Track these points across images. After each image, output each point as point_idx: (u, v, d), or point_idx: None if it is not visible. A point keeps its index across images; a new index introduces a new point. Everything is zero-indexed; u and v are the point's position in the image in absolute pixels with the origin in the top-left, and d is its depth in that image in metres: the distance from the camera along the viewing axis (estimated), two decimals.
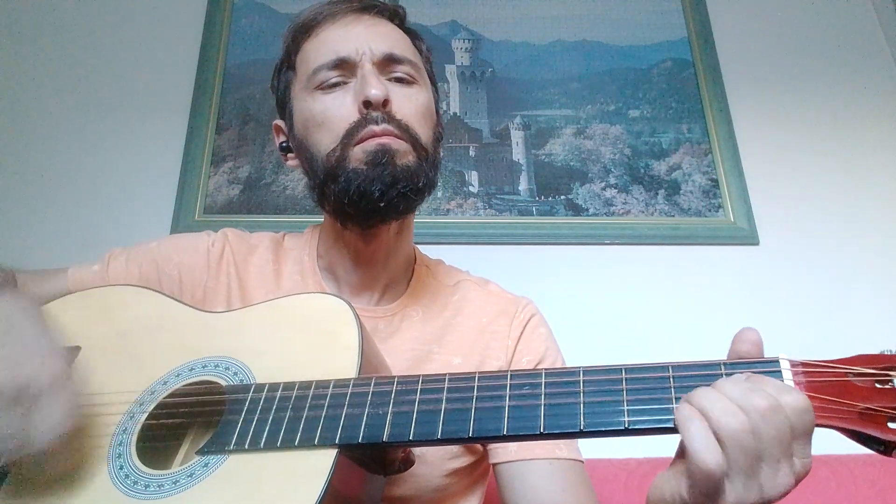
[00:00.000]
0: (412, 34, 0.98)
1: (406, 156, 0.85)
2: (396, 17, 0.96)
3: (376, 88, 0.84)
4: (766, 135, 1.99)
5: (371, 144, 0.84)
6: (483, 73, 2.07)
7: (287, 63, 0.96)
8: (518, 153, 1.97)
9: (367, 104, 0.84)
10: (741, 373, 0.58)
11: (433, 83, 0.99)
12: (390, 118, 0.85)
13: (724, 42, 2.10)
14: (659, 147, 1.98)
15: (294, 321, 0.76)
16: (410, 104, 0.89)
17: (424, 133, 0.89)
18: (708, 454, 0.52)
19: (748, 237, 1.85)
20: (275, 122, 1.00)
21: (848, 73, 2.08)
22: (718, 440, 0.53)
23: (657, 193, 1.91)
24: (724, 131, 1.97)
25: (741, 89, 2.03)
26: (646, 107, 2.04)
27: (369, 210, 0.85)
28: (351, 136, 0.84)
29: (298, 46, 0.94)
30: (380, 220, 0.88)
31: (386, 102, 0.85)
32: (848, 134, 2.00)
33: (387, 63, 0.89)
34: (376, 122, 0.84)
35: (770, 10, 2.17)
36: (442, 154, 1.01)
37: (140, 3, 2.11)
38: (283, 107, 0.97)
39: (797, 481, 0.54)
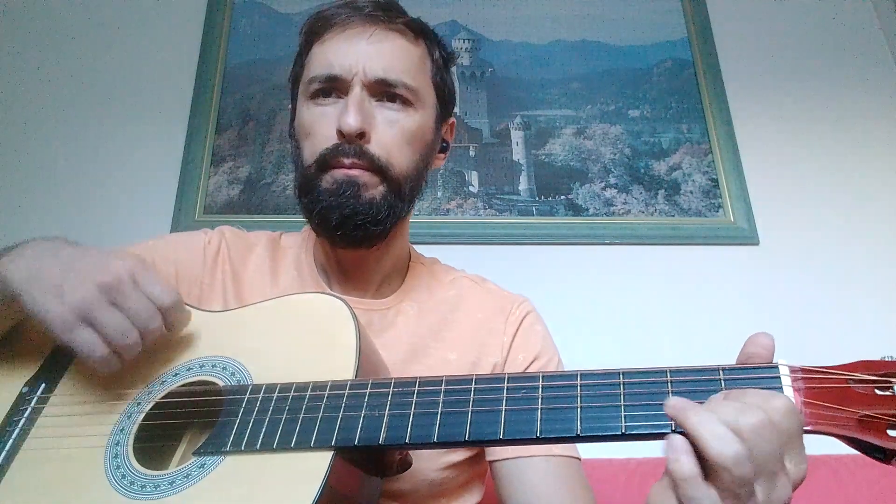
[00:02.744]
0: (427, 38, 0.96)
1: (373, 188, 0.86)
2: (408, 28, 0.94)
3: (353, 119, 0.85)
4: (766, 135, 1.98)
5: (339, 174, 0.86)
6: (483, 73, 2.07)
7: (299, 60, 0.97)
8: (518, 153, 1.96)
9: (342, 134, 0.85)
10: (741, 378, 0.57)
11: (442, 96, 0.97)
12: (362, 152, 0.85)
13: (724, 42, 2.09)
14: (659, 147, 1.97)
15: (292, 321, 0.76)
16: (393, 131, 0.88)
17: (405, 161, 0.89)
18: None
19: (748, 237, 1.85)
20: (290, 105, 1.00)
21: (848, 73, 2.08)
22: (711, 468, 0.51)
23: (657, 193, 1.91)
24: (724, 131, 1.97)
25: (741, 89, 2.03)
26: (646, 107, 2.03)
27: (328, 236, 0.89)
28: (325, 160, 0.86)
29: (310, 46, 0.94)
30: (341, 245, 0.90)
31: (362, 134, 0.85)
32: (848, 134, 2.00)
33: (379, 86, 0.88)
34: (347, 155, 0.85)
35: (770, 10, 2.17)
36: (444, 163, 1.02)
37: (140, 3, 2.11)
38: (293, 97, 0.98)
39: (795, 489, 0.53)
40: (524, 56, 2.10)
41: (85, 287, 0.68)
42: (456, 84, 1.99)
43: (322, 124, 0.88)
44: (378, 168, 0.86)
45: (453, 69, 1.98)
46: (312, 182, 0.87)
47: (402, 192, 0.89)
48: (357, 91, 0.87)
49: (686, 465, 0.52)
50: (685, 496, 0.52)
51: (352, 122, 0.84)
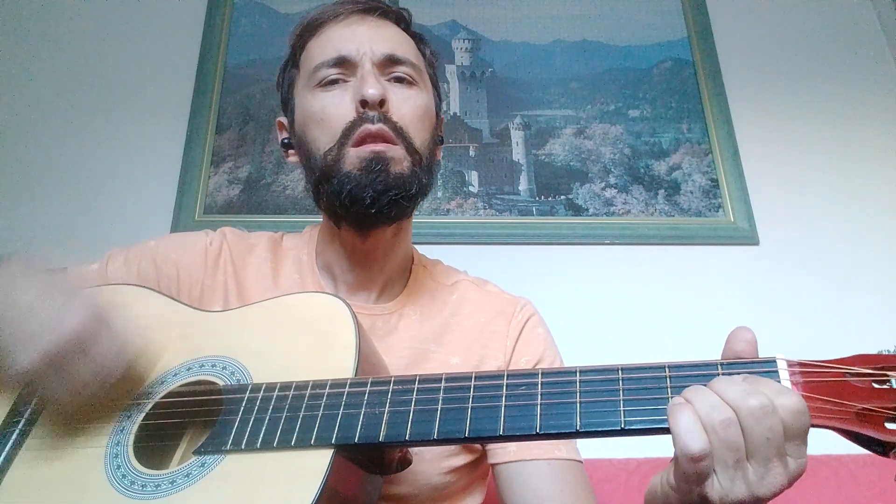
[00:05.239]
0: (417, 38, 0.99)
1: (400, 163, 0.86)
2: (401, 20, 0.97)
3: (373, 88, 0.85)
4: (766, 135, 1.98)
5: (366, 151, 0.84)
6: (483, 73, 2.07)
7: (292, 61, 0.98)
8: (518, 153, 1.96)
9: (364, 103, 0.85)
10: (738, 373, 0.58)
11: (436, 88, 1.00)
12: (386, 119, 0.86)
13: (724, 42, 2.09)
14: (659, 147, 1.98)
15: (292, 321, 0.76)
16: (408, 105, 0.89)
17: (420, 135, 0.89)
18: (690, 438, 0.53)
19: (748, 237, 1.85)
20: (278, 118, 1.01)
21: (848, 73, 2.08)
22: (705, 430, 0.54)
23: (657, 193, 1.91)
24: (724, 131, 1.97)
25: (741, 89, 2.03)
26: (646, 107, 2.04)
27: (360, 215, 0.86)
28: (347, 136, 0.85)
29: (304, 45, 0.95)
30: (372, 224, 0.88)
31: (382, 102, 0.86)
32: (848, 134, 2.00)
33: (387, 63, 0.90)
34: (372, 122, 0.85)
35: (770, 10, 2.17)
36: (441, 156, 1.02)
37: (140, 3, 2.11)
38: (286, 104, 0.98)
39: (791, 482, 0.54)
40: (524, 56, 2.10)
41: (29, 355, 0.64)
42: (456, 84, 2.02)
43: (335, 106, 0.87)
44: (402, 137, 0.86)
45: (452, 69, 1.99)
46: (335, 165, 0.85)
47: (424, 165, 0.89)
48: (368, 67, 0.88)
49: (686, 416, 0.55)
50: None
51: (373, 90, 0.85)
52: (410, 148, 0.87)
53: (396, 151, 0.86)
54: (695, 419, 0.54)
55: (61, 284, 0.70)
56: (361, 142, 0.85)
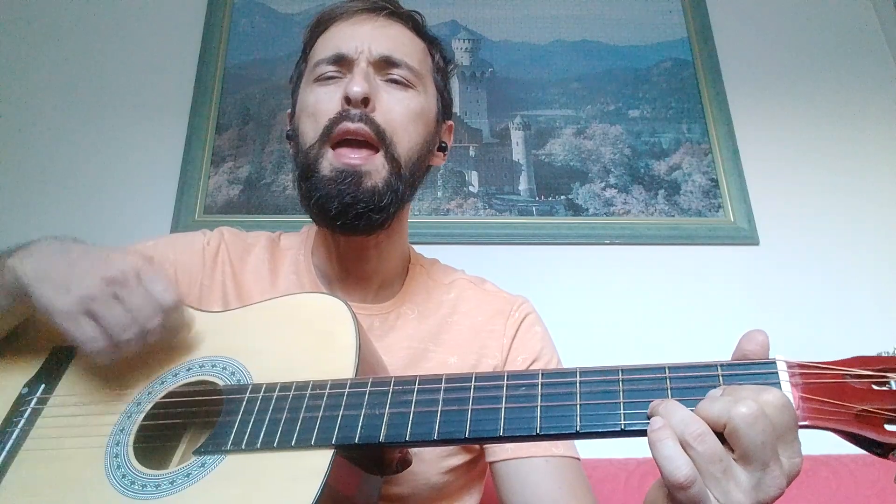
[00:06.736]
0: (429, 41, 0.99)
1: (376, 175, 0.85)
2: (411, 21, 0.97)
3: (358, 85, 0.85)
4: (766, 135, 1.98)
5: (339, 162, 0.85)
6: (483, 73, 2.07)
7: (303, 57, 0.99)
8: (518, 153, 1.96)
9: (348, 100, 0.86)
10: (738, 374, 0.58)
11: (443, 94, 0.99)
12: (367, 119, 0.86)
13: (724, 42, 2.09)
14: (659, 147, 1.97)
15: (292, 321, 0.76)
16: (399, 107, 0.89)
17: (407, 140, 0.89)
18: (673, 465, 0.52)
19: (748, 237, 1.85)
20: (287, 111, 1.02)
21: (848, 73, 2.08)
22: (691, 457, 0.53)
23: (657, 193, 1.91)
24: (724, 131, 1.97)
25: (741, 89, 2.03)
26: (646, 107, 2.03)
27: (327, 224, 0.87)
28: (329, 132, 0.86)
29: (313, 41, 0.96)
30: (345, 233, 0.89)
31: (367, 101, 0.86)
32: (848, 134, 2.00)
33: (383, 64, 0.90)
34: (352, 120, 0.85)
35: (770, 10, 2.17)
36: (444, 161, 1.02)
37: (140, 3, 2.11)
38: (293, 96, 0.99)
39: (789, 481, 0.54)
40: (524, 56, 2.10)
41: (90, 281, 0.69)
42: (456, 84, 2.02)
43: (326, 100, 0.88)
44: (382, 138, 0.86)
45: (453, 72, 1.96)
46: (314, 164, 0.86)
47: (403, 173, 0.88)
48: (363, 66, 0.88)
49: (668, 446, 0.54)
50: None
51: (357, 88, 0.85)
52: (390, 155, 0.87)
53: (373, 163, 0.85)
54: (675, 445, 0.53)
55: (99, 247, 0.76)
56: (340, 141, 0.85)
